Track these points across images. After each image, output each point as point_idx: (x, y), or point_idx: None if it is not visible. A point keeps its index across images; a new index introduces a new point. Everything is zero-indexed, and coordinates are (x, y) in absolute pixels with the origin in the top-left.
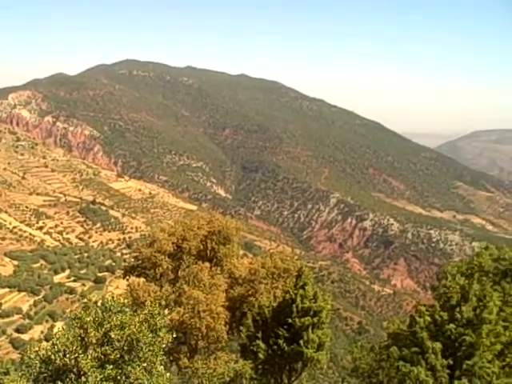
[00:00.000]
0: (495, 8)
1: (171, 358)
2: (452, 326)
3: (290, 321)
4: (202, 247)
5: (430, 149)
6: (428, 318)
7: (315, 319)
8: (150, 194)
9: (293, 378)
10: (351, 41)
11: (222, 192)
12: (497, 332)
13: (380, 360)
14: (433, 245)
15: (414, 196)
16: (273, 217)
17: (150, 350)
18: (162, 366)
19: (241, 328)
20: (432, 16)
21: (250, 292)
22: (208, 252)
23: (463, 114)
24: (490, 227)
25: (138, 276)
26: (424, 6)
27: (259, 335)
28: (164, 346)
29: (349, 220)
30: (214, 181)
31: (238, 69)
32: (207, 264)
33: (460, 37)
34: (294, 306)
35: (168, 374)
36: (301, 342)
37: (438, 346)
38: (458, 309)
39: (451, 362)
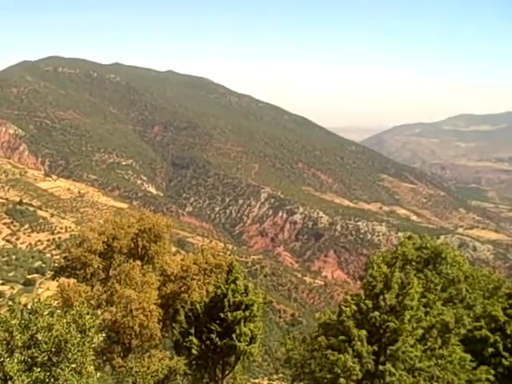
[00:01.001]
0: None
1: (105, 358)
2: (376, 313)
3: (222, 315)
4: (132, 245)
5: (355, 143)
6: (354, 307)
7: (247, 313)
8: (80, 193)
9: (226, 372)
10: (277, 36)
11: (152, 189)
12: (418, 317)
13: (312, 350)
14: (361, 236)
15: (341, 189)
16: (205, 213)
17: (78, 351)
18: (92, 367)
19: (174, 325)
20: (352, 13)
21: (182, 288)
22: (139, 250)
23: (387, 109)
24: (414, 217)
25: (69, 277)
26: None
27: (192, 331)
28: (95, 346)
29: (280, 214)
30: (145, 178)
31: (166, 65)
32: (138, 262)
33: (379, 35)
34: (225, 300)
35: (98, 374)
36: (233, 335)
37: (364, 333)
38: (381, 297)
39: (376, 348)
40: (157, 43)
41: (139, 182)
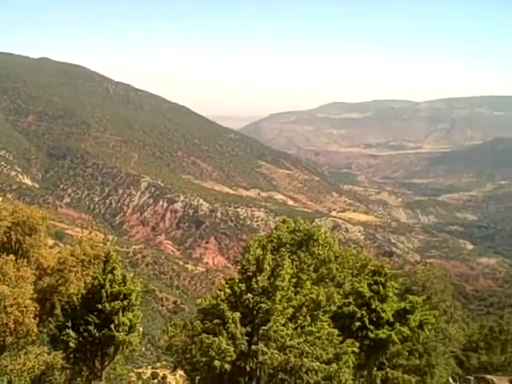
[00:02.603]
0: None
1: None
2: (249, 295)
3: (100, 306)
4: (5, 239)
5: (234, 131)
6: (228, 290)
7: (125, 302)
8: None
9: (106, 363)
10: (156, 25)
11: (28, 181)
12: (289, 297)
13: (192, 336)
14: (241, 222)
15: (221, 177)
16: (84, 204)
17: None
18: None
19: (50, 319)
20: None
21: (59, 281)
22: (13, 244)
23: (264, 98)
24: (290, 202)
25: None
26: None
27: (69, 324)
28: None
29: (160, 203)
30: (19, 170)
31: (39, 52)
32: (12, 256)
33: (252, 22)
34: (103, 291)
35: None
36: (112, 326)
37: (238, 315)
38: (254, 279)
39: (249, 329)
40: (29, 29)
41: (13, 173)
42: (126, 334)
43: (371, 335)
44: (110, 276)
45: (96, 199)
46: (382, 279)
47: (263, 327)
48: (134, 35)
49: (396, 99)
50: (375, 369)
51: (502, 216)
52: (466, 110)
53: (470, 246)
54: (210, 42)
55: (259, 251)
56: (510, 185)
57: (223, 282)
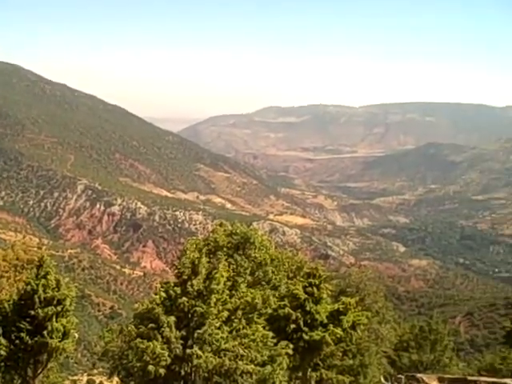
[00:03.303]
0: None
1: None
2: (184, 299)
3: (32, 312)
4: None
5: (172, 133)
6: (163, 294)
7: (59, 308)
8: None
9: (39, 371)
10: (91, 25)
11: None
12: (224, 300)
13: (129, 341)
14: (179, 225)
15: (159, 179)
16: (17, 207)
17: None
18: None
19: None
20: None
21: None
22: None
23: (202, 100)
24: (229, 205)
25: None
26: None
27: None
28: None
29: (97, 206)
30: None
31: None
32: None
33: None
34: (36, 296)
35: None
36: (45, 332)
37: (172, 319)
38: (189, 282)
39: (184, 333)
40: None
41: None
42: (60, 341)
43: (306, 337)
44: (43, 281)
45: (31, 202)
46: (317, 281)
47: (198, 331)
48: (69, 35)
49: (333, 104)
50: (310, 370)
51: (432, 219)
52: (399, 116)
53: (402, 249)
54: (147, 43)
55: (195, 254)
56: (441, 189)
57: (158, 285)
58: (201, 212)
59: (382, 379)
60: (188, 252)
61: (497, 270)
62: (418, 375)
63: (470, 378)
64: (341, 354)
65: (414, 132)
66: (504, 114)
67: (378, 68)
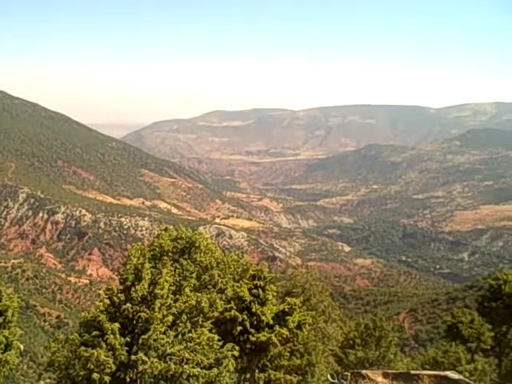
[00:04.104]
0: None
1: None
2: (128, 305)
3: None
4: None
5: (116, 139)
6: (107, 301)
7: (1, 319)
8: None
9: None
10: (31, 30)
11: None
12: (168, 305)
13: (75, 350)
14: (125, 232)
15: (104, 186)
16: None
17: None
18: None
19: None
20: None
21: None
22: None
23: (145, 106)
24: (175, 210)
25: None
26: None
27: None
28: None
29: (40, 215)
30: None
31: None
32: None
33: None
34: None
35: None
36: None
37: (117, 326)
38: (133, 288)
39: (129, 339)
40: None
41: None
42: (3, 353)
43: (252, 338)
44: None
45: None
46: (262, 283)
47: (143, 336)
48: (7, 40)
49: (275, 107)
50: (257, 371)
51: (375, 218)
52: (340, 118)
53: (347, 248)
54: (88, 50)
55: (138, 260)
56: (382, 189)
57: (102, 292)
58: (147, 218)
59: (329, 377)
60: (132, 258)
61: (438, 266)
62: (364, 371)
63: (413, 372)
64: (288, 354)
65: (355, 134)
66: (440, 115)
67: (317, 71)
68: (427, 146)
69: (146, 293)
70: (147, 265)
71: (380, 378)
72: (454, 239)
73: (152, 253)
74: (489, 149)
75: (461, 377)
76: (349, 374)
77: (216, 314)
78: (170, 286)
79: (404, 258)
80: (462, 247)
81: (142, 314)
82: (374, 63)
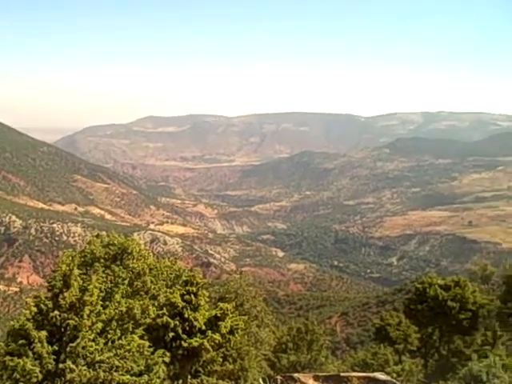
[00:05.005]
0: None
1: None
2: (56, 312)
3: None
4: None
5: (48, 144)
6: (34, 309)
7: None
8: None
9: None
10: None
11: None
12: (97, 312)
13: (1, 360)
14: (57, 238)
15: (35, 192)
16: None
17: None
18: None
19: None
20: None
21: None
22: None
23: (78, 110)
24: (108, 216)
25: None
26: None
27: None
28: None
29: None
30: None
31: None
32: None
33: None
34: None
35: None
36: None
37: (44, 334)
38: (61, 295)
39: (57, 348)
40: None
41: None
42: None
43: (184, 344)
44: None
45: None
46: (194, 289)
47: (71, 344)
48: None
49: (210, 114)
50: (190, 377)
51: (308, 224)
52: (274, 126)
53: (280, 254)
54: (20, 50)
55: (67, 267)
56: (315, 195)
57: (29, 300)
58: (79, 224)
59: (261, 381)
60: (61, 265)
61: (368, 270)
62: (295, 375)
63: (342, 374)
64: (221, 360)
65: (289, 141)
66: (370, 124)
67: (253, 78)
68: (358, 153)
69: (74, 300)
70: (76, 271)
71: (311, 381)
72: (383, 244)
73: (83, 259)
74: (416, 156)
75: (388, 377)
76: (278, 378)
77: (148, 320)
78: (101, 292)
79: (336, 263)
80: (391, 252)
81: (71, 322)
82: (308, 71)
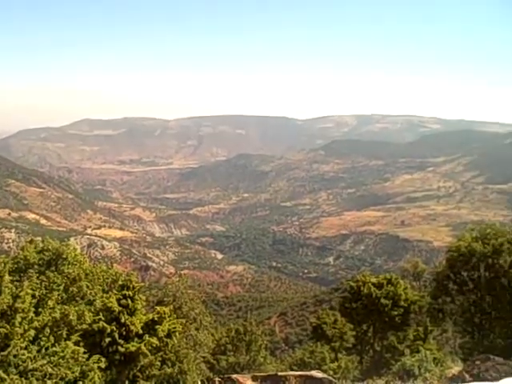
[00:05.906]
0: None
1: None
2: None
3: None
4: None
5: None
6: None
7: None
8: None
9: None
10: None
11: None
12: (30, 319)
13: None
14: None
15: None
16: None
17: None
18: None
19: None
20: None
21: None
22: None
23: (11, 113)
24: (44, 221)
25: None
26: None
27: None
28: None
29: None
30: None
31: None
32: None
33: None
34: None
35: None
36: None
37: None
38: None
39: None
40: None
41: None
42: None
43: (121, 349)
44: None
45: None
46: (131, 293)
47: (2, 353)
48: None
49: (147, 117)
50: (128, 382)
51: (246, 226)
52: (211, 128)
53: (219, 256)
54: None
55: None
56: (253, 197)
57: None
58: (13, 229)
59: (199, 383)
60: None
61: (306, 270)
62: (234, 376)
63: (280, 373)
64: (159, 363)
65: (226, 144)
66: (305, 127)
67: (189, 81)
68: (294, 155)
69: (5, 307)
70: (7, 278)
71: (249, 382)
72: (320, 244)
73: (16, 266)
74: (351, 158)
75: (325, 375)
76: (217, 380)
77: (84, 326)
78: (34, 298)
79: (274, 264)
80: (328, 252)
81: (1, 330)
82: (245, 74)
